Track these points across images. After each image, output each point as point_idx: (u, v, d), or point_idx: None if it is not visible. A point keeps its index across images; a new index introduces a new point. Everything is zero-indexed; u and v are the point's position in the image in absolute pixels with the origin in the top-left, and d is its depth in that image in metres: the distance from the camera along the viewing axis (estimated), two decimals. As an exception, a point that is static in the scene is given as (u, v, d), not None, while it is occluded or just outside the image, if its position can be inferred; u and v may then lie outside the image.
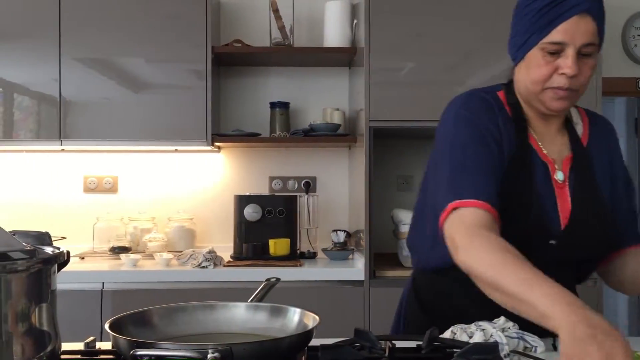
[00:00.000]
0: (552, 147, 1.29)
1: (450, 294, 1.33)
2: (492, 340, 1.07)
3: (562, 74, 1.18)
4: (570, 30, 1.16)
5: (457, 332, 1.12)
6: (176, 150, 3.04)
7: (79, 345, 1.06)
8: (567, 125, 1.33)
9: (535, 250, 1.15)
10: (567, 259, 1.27)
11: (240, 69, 3.12)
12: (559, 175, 1.26)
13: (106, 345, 1.06)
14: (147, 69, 2.77)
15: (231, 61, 3.02)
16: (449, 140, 1.27)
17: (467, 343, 1.04)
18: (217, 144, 2.90)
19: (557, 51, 1.18)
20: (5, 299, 0.84)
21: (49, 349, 0.90)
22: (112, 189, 3.09)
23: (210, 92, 2.76)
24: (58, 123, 2.73)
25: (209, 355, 0.85)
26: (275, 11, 2.88)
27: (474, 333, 1.10)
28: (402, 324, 1.46)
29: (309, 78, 3.13)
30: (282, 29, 2.89)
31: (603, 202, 1.28)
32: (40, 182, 3.08)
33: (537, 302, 0.96)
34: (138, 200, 3.07)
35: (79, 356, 1.03)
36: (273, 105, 3.00)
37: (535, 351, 1.09)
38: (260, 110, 3.08)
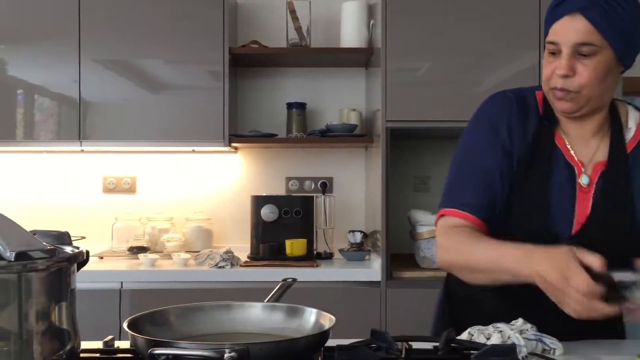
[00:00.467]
0: (584, 149, 1.26)
1: (473, 293, 1.32)
2: (509, 342, 1.06)
3: (557, 73, 1.19)
4: (561, 30, 1.17)
5: (475, 334, 1.11)
6: (194, 151, 3.06)
7: (98, 344, 1.07)
8: (614, 129, 1.26)
9: None
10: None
11: (257, 69, 3.13)
12: (583, 179, 1.23)
13: (124, 344, 1.07)
14: (165, 71, 2.79)
15: (248, 62, 3.03)
16: (461, 142, 1.32)
17: (485, 345, 1.03)
18: (234, 144, 2.91)
19: (555, 51, 1.19)
20: (26, 297, 0.85)
21: (68, 347, 0.91)
22: (130, 189, 3.11)
23: (228, 93, 2.77)
24: (78, 124, 2.76)
25: (225, 355, 0.86)
26: (292, 12, 2.89)
27: (491, 335, 1.09)
28: (436, 322, 1.47)
29: (326, 79, 3.13)
30: (298, 29, 2.90)
31: (631, 211, 1.21)
32: (60, 182, 3.11)
33: (507, 266, 1.09)
34: (156, 200, 3.10)
35: (97, 355, 1.04)
36: (290, 105, 3.00)
37: (553, 353, 1.08)
38: (277, 111, 3.09)
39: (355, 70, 3.12)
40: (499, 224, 1.24)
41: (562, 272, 0.98)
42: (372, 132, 2.87)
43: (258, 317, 1.17)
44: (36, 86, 2.78)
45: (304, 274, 2.47)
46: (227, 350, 0.86)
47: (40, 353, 0.86)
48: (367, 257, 2.79)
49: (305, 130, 2.98)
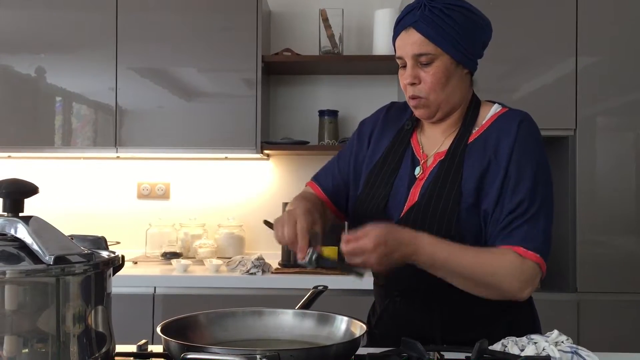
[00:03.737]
0: (433, 145, 1.38)
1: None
2: (544, 353, 1.05)
3: (404, 82, 1.33)
4: (401, 45, 1.31)
5: (508, 345, 1.10)
6: (226, 158, 3.09)
7: (132, 348, 1.09)
8: (464, 125, 1.36)
9: None
10: None
11: (290, 77, 3.15)
12: (416, 170, 1.36)
13: (158, 348, 1.08)
14: (199, 78, 2.83)
15: (281, 70, 3.05)
16: None
17: (518, 356, 1.01)
18: (266, 151, 2.93)
19: (403, 65, 1.33)
20: (64, 301, 0.87)
21: (103, 350, 0.93)
22: (164, 195, 3.16)
23: (260, 101, 2.79)
24: (114, 131, 2.82)
25: (257, 361, 0.86)
26: (325, 20, 2.90)
27: (525, 346, 1.08)
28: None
29: (358, 86, 3.13)
30: (331, 37, 2.91)
31: (453, 198, 1.26)
32: (96, 188, 3.17)
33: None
34: (189, 206, 3.13)
35: (131, 358, 1.06)
36: (322, 113, 3.01)
37: (589, 366, 1.06)
38: (309, 119, 3.10)
39: (387, 77, 3.12)
40: (355, 207, 1.43)
41: None
42: (404, 140, 2.86)
43: (289, 324, 1.17)
44: (74, 94, 2.84)
45: (335, 281, 2.47)
46: (258, 356, 0.87)
47: (76, 355, 0.88)
48: (398, 265, 2.77)
49: (337, 138, 2.98)
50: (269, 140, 2.98)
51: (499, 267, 1.21)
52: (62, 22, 2.84)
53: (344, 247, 1.16)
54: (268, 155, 3.11)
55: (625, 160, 2.55)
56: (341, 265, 1.21)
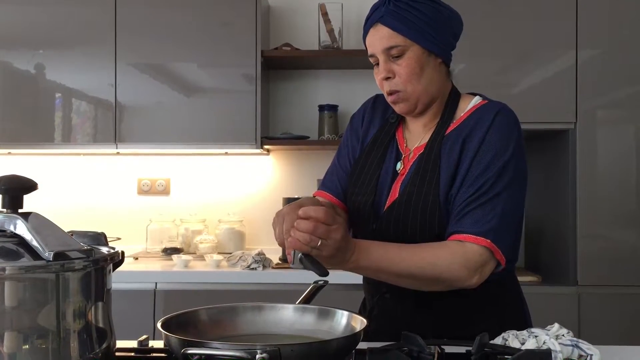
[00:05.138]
0: (415, 140, 1.38)
1: None
2: (544, 347, 1.05)
3: (379, 78, 1.33)
4: (371, 42, 1.32)
5: (509, 338, 1.10)
6: (226, 153, 3.09)
7: (133, 343, 1.09)
8: (442, 119, 1.34)
9: (362, 229, 1.35)
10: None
11: (290, 72, 3.15)
12: (398, 165, 1.36)
13: (158, 344, 1.08)
14: (198, 74, 2.83)
15: (280, 65, 3.04)
16: None
17: (519, 349, 1.01)
18: (266, 146, 2.93)
19: (376, 62, 1.33)
20: (64, 297, 0.87)
21: (104, 346, 0.93)
22: (164, 191, 3.16)
23: (260, 96, 2.79)
24: (114, 127, 2.81)
25: (257, 356, 0.86)
26: (324, 14, 2.89)
27: (526, 339, 1.08)
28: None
29: (358, 81, 3.13)
30: (330, 32, 2.90)
31: (433, 192, 1.26)
32: (96, 184, 3.17)
33: None
34: (189, 202, 3.13)
35: (132, 354, 1.06)
36: (322, 108, 3.01)
37: (590, 359, 1.06)
38: (309, 113, 3.10)
39: (387, 72, 3.10)
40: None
41: None
42: (404, 134, 2.86)
43: (289, 319, 1.17)
44: (73, 90, 2.84)
45: (335, 276, 2.46)
46: (258, 351, 0.87)
47: (77, 351, 0.88)
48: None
49: (337, 133, 2.98)
50: (269, 135, 2.98)
51: (438, 258, 1.19)
52: (61, 18, 2.83)
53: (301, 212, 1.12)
54: (268, 151, 3.11)
55: (626, 153, 2.55)
56: (317, 268, 1.11)
